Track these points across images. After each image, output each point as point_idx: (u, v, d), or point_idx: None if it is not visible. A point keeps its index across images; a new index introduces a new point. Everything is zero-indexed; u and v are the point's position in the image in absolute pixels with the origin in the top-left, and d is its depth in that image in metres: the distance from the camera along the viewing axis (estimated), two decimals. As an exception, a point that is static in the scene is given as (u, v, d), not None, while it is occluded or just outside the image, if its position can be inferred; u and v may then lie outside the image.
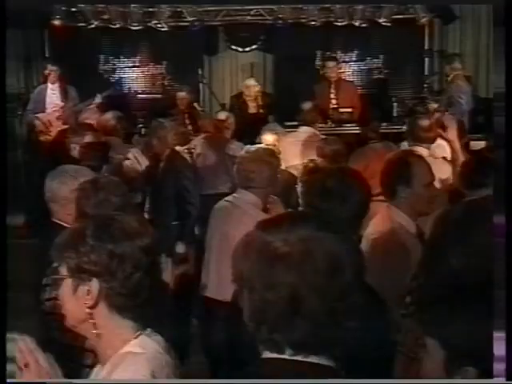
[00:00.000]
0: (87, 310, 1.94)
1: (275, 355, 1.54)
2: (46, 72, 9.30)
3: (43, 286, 2.99)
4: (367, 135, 6.68)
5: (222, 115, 7.73)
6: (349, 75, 11.19)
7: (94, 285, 1.94)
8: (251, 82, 9.68)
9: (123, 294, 1.94)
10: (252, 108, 9.33)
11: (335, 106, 9.26)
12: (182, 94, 9.39)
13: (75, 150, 5.56)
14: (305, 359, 1.52)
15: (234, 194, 4.28)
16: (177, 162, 5.94)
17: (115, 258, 1.93)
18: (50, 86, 9.27)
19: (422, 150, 5.54)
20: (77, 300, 1.95)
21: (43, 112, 9.07)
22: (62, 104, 9.11)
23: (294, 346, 1.52)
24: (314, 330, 1.50)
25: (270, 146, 5.43)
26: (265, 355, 1.56)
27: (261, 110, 9.30)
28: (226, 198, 4.35)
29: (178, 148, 6.54)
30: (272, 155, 4.40)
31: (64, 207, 3.56)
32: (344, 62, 11.23)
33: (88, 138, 5.71)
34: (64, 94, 9.17)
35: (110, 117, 7.01)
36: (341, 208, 2.64)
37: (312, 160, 5.51)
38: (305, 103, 7.91)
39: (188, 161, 6.16)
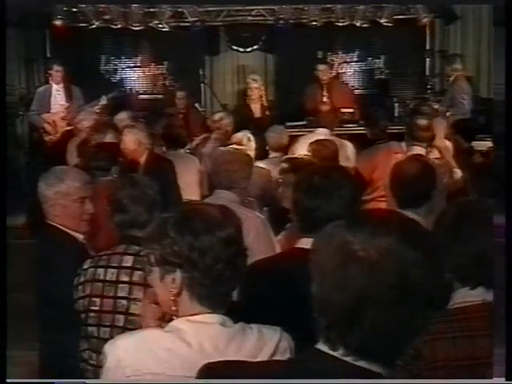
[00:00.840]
0: (172, 298, 2.03)
1: (327, 350, 1.52)
2: (52, 72, 9.29)
3: (76, 285, 3.06)
4: (375, 135, 6.62)
5: (216, 116, 7.73)
6: (350, 76, 11.21)
7: (178, 275, 2.00)
8: (254, 76, 9.74)
9: (205, 285, 1.99)
10: (257, 111, 9.31)
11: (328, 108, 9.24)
12: (181, 94, 9.40)
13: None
14: (355, 362, 1.50)
15: (215, 195, 4.24)
16: (156, 164, 5.85)
17: (195, 251, 1.98)
18: (54, 86, 9.25)
19: (420, 150, 5.57)
20: (164, 287, 2.03)
21: (48, 112, 9.06)
22: (67, 104, 9.11)
23: (348, 347, 1.50)
24: (370, 339, 1.48)
25: (241, 147, 5.59)
26: (319, 346, 1.54)
27: (266, 112, 9.27)
28: (208, 200, 4.27)
29: (160, 150, 6.56)
30: (248, 155, 4.56)
31: (52, 208, 3.61)
32: (345, 62, 11.25)
33: (109, 138, 5.72)
34: (69, 95, 9.16)
35: (124, 117, 6.98)
36: (329, 205, 2.62)
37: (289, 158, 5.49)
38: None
39: (170, 162, 6.08)
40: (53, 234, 3.61)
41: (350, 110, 9.32)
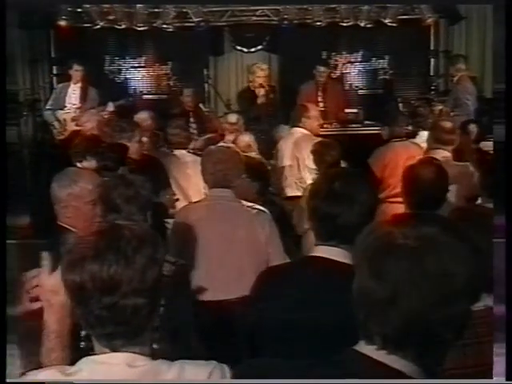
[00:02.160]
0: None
1: (365, 349, 1.53)
2: (71, 71, 9.30)
3: None
4: (392, 134, 6.53)
5: (233, 118, 7.65)
6: (354, 76, 11.21)
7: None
8: (261, 64, 9.80)
9: (93, 324, 1.82)
10: (261, 96, 9.31)
11: (322, 107, 9.22)
12: (188, 92, 9.39)
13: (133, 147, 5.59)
14: (391, 364, 1.50)
15: (213, 194, 4.26)
16: (148, 165, 5.83)
17: (68, 286, 1.82)
18: (72, 85, 9.28)
19: (443, 153, 5.51)
20: None
21: (61, 110, 9.09)
22: (79, 105, 9.12)
23: (385, 338, 1.50)
24: (407, 327, 1.48)
25: (231, 145, 5.67)
26: (357, 347, 1.55)
27: (271, 96, 9.27)
28: (206, 200, 4.35)
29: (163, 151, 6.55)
30: (239, 152, 4.58)
31: (64, 210, 3.60)
32: (349, 62, 11.24)
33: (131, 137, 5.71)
34: (84, 96, 9.17)
35: (146, 116, 6.97)
36: (350, 212, 2.53)
37: None
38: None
39: (161, 164, 6.07)
40: (62, 234, 3.59)
41: (354, 110, 9.32)
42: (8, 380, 1.91)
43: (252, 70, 9.76)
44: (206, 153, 4.53)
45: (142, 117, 6.96)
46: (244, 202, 4.23)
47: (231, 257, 4.06)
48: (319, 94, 9.51)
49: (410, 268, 1.46)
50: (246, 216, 4.13)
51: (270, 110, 9.00)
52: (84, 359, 1.84)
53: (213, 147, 4.74)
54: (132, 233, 1.81)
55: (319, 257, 2.58)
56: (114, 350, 1.80)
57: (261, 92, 9.29)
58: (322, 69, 9.68)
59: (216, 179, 4.22)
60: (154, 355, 1.85)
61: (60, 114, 9.03)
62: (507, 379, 1.93)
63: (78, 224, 3.56)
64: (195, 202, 4.61)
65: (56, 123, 8.99)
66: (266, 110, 8.99)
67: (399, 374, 1.49)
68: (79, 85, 9.25)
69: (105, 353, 1.82)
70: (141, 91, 11.18)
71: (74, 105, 9.13)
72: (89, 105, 9.03)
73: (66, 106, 9.14)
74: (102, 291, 1.74)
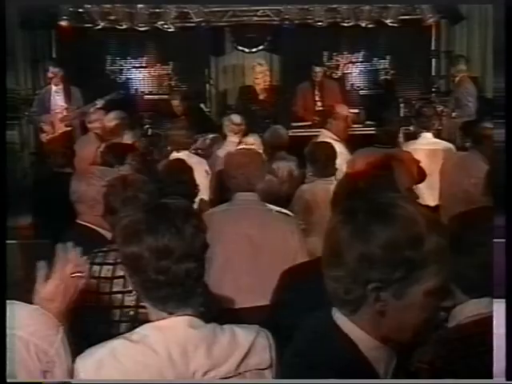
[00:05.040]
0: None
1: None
2: (50, 74, 9.30)
3: None
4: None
5: (237, 119, 7.60)
6: (355, 76, 11.21)
7: (128, 278, 2.12)
8: (260, 61, 9.82)
9: (149, 288, 2.02)
10: (262, 93, 9.32)
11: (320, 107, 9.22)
12: (176, 102, 9.40)
13: None
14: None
15: (238, 199, 4.14)
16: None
17: (128, 257, 2.02)
18: (53, 87, 9.26)
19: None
20: None
21: (48, 113, 9.07)
22: (66, 106, 9.11)
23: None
24: None
25: (253, 147, 5.62)
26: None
27: (273, 94, 9.27)
28: (231, 204, 4.20)
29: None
30: (260, 154, 4.54)
31: (91, 209, 3.56)
32: (350, 62, 11.25)
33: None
34: (67, 96, 9.16)
35: (112, 117, 6.95)
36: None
37: None
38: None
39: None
40: (84, 234, 3.55)
41: (355, 111, 9.31)
42: (8, 380, 1.91)
43: (251, 67, 9.77)
44: (227, 156, 4.45)
45: (108, 117, 6.93)
46: (271, 206, 4.13)
47: (259, 263, 3.91)
48: (316, 93, 9.48)
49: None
50: (274, 220, 4.02)
51: (271, 110, 9.00)
52: (145, 326, 2.02)
53: (233, 150, 4.67)
54: (177, 207, 2.06)
55: None
56: (170, 313, 1.99)
57: (262, 90, 9.30)
58: (317, 69, 9.61)
59: (239, 183, 4.12)
60: (202, 318, 2.04)
61: (46, 117, 8.99)
62: (507, 379, 1.92)
63: (103, 222, 3.50)
64: (219, 207, 4.39)
65: (44, 126, 8.95)
66: (267, 109, 8.99)
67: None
68: (61, 86, 9.23)
69: (163, 318, 1.99)
70: (142, 91, 11.18)
71: (61, 106, 9.11)
72: (75, 105, 9.02)
73: (51, 109, 9.11)
74: (157, 258, 1.95)
